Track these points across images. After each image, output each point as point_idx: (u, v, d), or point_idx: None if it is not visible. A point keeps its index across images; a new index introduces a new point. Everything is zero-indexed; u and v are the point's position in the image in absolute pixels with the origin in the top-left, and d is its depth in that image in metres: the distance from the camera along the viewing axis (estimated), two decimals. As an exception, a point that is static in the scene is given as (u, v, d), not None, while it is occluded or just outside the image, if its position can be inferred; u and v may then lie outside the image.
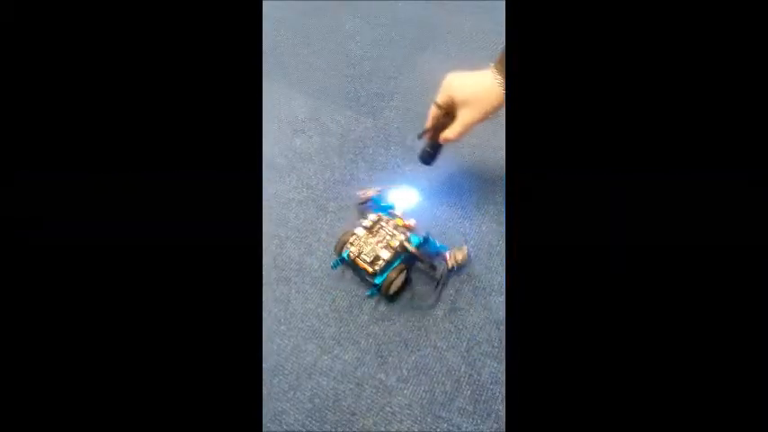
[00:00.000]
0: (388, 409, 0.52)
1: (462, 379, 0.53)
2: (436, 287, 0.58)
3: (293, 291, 0.61)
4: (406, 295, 0.59)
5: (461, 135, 0.56)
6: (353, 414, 0.51)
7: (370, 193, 0.65)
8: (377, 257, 0.57)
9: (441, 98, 0.56)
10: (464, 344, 0.55)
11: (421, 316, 0.58)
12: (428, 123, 0.59)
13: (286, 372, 0.55)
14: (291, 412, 0.52)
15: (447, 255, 0.59)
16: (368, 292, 0.59)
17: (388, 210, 0.63)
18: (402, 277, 0.58)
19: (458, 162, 0.71)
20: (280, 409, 0.52)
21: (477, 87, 0.53)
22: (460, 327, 0.56)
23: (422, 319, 0.57)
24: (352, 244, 0.58)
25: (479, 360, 0.54)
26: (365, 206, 0.65)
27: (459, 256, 0.59)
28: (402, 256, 0.58)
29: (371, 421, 0.51)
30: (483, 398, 0.51)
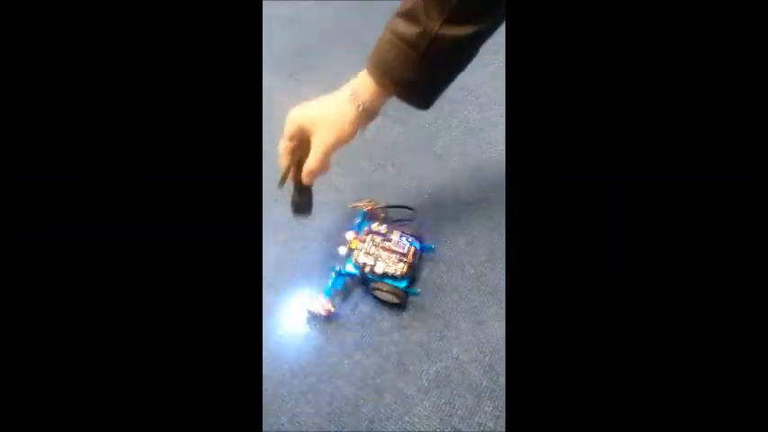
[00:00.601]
0: (406, 418, 0.51)
1: (484, 394, 0.52)
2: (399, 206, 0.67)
3: (317, 294, 0.61)
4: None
5: (322, 163, 0.50)
6: (372, 421, 0.51)
7: (326, 303, 0.58)
8: (400, 241, 0.60)
9: (288, 130, 0.50)
10: (487, 358, 0.55)
11: (443, 326, 0.57)
12: (283, 163, 0.52)
13: (306, 374, 0.55)
14: (310, 415, 0.52)
15: (362, 207, 0.66)
16: (430, 247, 0.64)
17: (343, 272, 0.60)
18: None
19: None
20: (298, 411, 0.52)
21: (326, 108, 0.49)
22: (483, 340, 0.56)
23: (444, 330, 0.57)
24: (389, 266, 0.58)
25: (502, 376, 0.53)
26: (329, 308, 0.59)
27: (361, 203, 0.67)
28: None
29: (390, 430, 0.51)
30: (504, 415, 0.51)
